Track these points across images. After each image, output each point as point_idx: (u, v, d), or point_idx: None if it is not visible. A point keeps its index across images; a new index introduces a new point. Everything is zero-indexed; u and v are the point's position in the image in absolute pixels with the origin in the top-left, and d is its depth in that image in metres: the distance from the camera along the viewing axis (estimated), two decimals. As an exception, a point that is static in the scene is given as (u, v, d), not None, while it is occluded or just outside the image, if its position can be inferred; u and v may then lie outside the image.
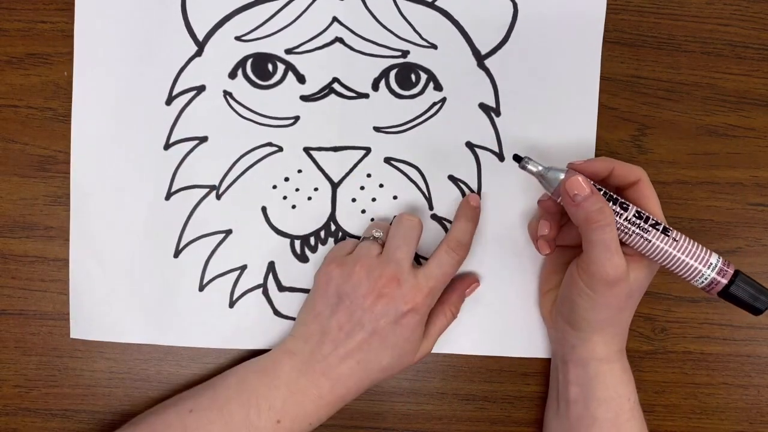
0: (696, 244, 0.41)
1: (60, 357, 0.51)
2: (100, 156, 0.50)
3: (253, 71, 0.50)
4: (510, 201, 0.51)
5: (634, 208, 0.42)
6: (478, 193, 0.51)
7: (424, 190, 0.51)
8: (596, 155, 0.51)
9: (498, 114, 0.50)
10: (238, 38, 0.50)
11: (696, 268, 0.40)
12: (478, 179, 0.51)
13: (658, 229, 0.41)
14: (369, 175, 0.50)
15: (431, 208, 0.51)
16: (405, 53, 0.50)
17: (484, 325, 0.52)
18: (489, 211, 0.51)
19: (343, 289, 0.46)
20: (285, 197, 0.50)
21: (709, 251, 0.41)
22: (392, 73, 0.50)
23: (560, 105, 0.50)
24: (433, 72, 0.50)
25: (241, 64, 0.50)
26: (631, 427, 0.46)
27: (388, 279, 0.45)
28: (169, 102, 0.50)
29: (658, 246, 0.41)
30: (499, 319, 0.52)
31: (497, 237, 0.51)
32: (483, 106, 0.50)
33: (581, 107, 0.50)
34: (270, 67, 0.50)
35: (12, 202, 0.51)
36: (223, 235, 0.51)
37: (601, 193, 0.42)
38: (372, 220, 0.51)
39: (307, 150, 0.50)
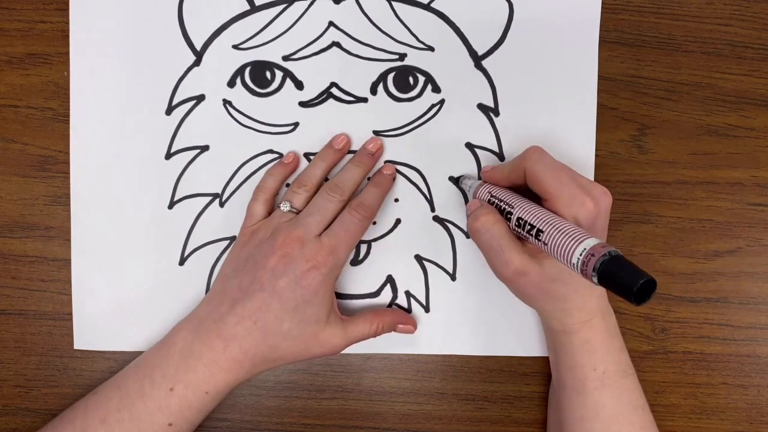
0: (563, 245, 0.39)
1: (60, 357, 0.52)
2: (101, 167, 0.50)
3: (252, 79, 0.50)
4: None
5: (515, 217, 0.43)
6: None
7: (425, 191, 0.51)
8: (596, 155, 0.51)
9: (497, 114, 0.50)
10: (235, 47, 0.50)
11: (568, 266, 0.39)
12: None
13: (532, 235, 0.41)
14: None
15: (433, 209, 0.51)
16: (402, 56, 0.50)
17: (484, 325, 0.52)
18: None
19: (250, 252, 0.46)
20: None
21: (572, 251, 0.38)
22: (390, 77, 0.50)
23: (559, 104, 0.50)
24: (430, 74, 0.50)
25: (240, 72, 0.50)
26: (601, 396, 0.45)
27: (292, 240, 0.45)
28: (169, 112, 0.50)
29: (540, 248, 0.41)
30: (499, 319, 0.52)
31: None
32: (482, 107, 0.50)
33: (580, 106, 0.50)
34: (268, 74, 0.50)
35: (12, 202, 0.51)
36: (228, 242, 0.51)
37: (495, 203, 0.45)
38: (374, 223, 0.51)
39: (308, 156, 0.50)
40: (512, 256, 0.42)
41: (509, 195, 0.45)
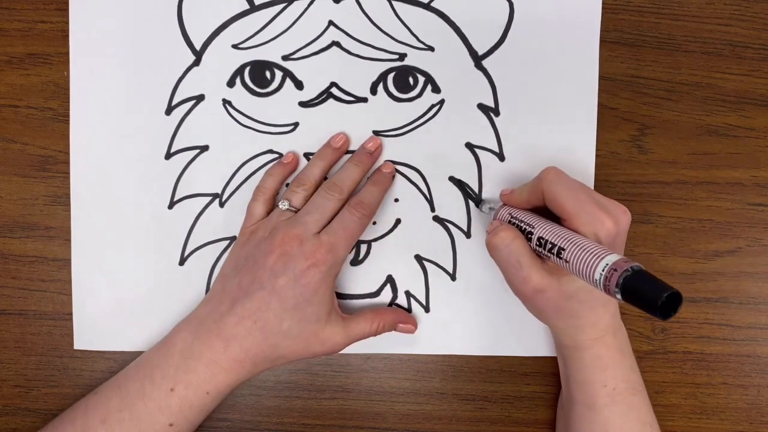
0: (584, 262, 0.39)
1: (60, 357, 0.52)
2: (101, 167, 0.50)
3: (252, 79, 0.50)
4: (510, 201, 0.51)
5: (536, 236, 0.43)
6: (479, 193, 0.51)
7: (425, 191, 0.51)
8: (596, 155, 0.51)
9: (497, 114, 0.50)
10: (235, 46, 0.50)
11: (590, 282, 0.39)
12: (479, 179, 0.51)
13: (553, 253, 0.41)
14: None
15: (433, 209, 0.51)
16: (402, 56, 0.50)
17: (484, 325, 0.52)
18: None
19: (250, 251, 0.46)
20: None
21: (594, 267, 0.38)
22: (390, 77, 0.50)
23: (559, 104, 0.50)
24: (430, 74, 0.50)
25: (239, 72, 0.50)
26: (612, 413, 0.45)
27: (290, 238, 0.45)
28: (168, 112, 0.50)
29: (561, 266, 0.42)
30: (499, 319, 0.52)
31: (497, 237, 0.51)
32: (482, 107, 0.50)
33: (581, 106, 0.50)
34: (268, 74, 0.50)
35: (12, 202, 0.51)
36: (228, 242, 0.51)
37: (516, 224, 0.45)
38: (374, 223, 0.51)
39: (307, 156, 0.50)
40: (531, 273, 0.42)
41: (529, 216, 0.45)
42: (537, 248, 0.43)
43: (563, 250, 0.40)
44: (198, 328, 0.45)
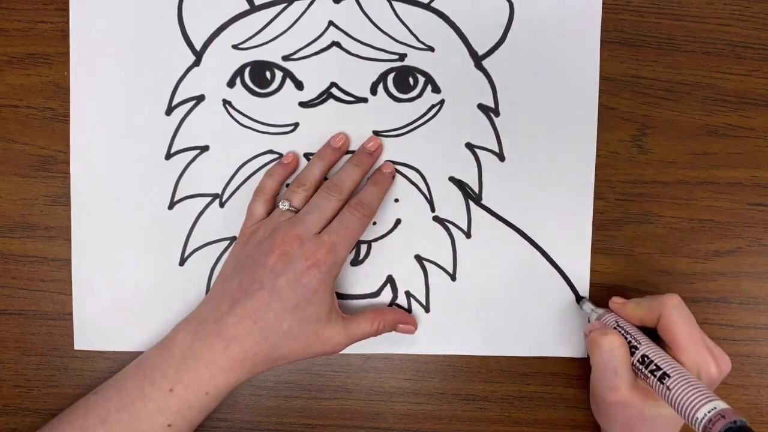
0: (689, 396, 0.39)
1: (60, 357, 0.52)
2: (101, 167, 0.50)
3: (252, 79, 0.50)
4: (511, 201, 0.51)
5: (641, 353, 0.43)
6: (480, 193, 0.51)
7: (425, 192, 0.51)
8: (596, 155, 0.51)
9: (497, 114, 0.50)
10: (235, 47, 0.50)
11: (687, 416, 0.40)
12: (479, 180, 0.51)
13: (655, 376, 0.41)
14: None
15: (433, 210, 0.51)
16: (402, 56, 0.50)
17: (484, 325, 0.52)
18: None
19: (250, 251, 0.46)
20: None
21: (699, 405, 0.38)
22: (390, 77, 0.50)
23: (560, 104, 0.50)
24: (430, 74, 0.50)
25: (240, 72, 0.50)
26: None
27: (291, 238, 0.45)
28: (168, 112, 0.50)
29: (657, 390, 0.42)
30: (499, 319, 0.52)
31: (498, 237, 0.51)
32: (482, 107, 0.50)
33: (581, 106, 0.50)
34: (268, 74, 0.50)
35: (12, 202, 0.51)
36: (228, 242, 0.51)
37: (622, 333, 0.45)
38: (374, 223, 0.51)
39: (307, 156, 0.50)
40: (623, 384, 0.43)
41: (636, 331, 0.45)
42: (637, 364, 0.43)
43: (667, 376, 0.41)
44: (198, 328, 0.45)
